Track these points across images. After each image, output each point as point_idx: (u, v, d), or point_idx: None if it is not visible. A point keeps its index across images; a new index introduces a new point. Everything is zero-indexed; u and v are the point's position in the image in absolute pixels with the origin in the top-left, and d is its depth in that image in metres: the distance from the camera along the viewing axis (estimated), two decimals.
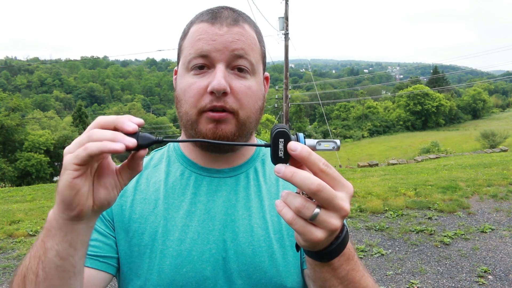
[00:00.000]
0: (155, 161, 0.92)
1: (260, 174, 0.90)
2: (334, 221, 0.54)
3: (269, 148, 0.92)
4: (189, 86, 0.79)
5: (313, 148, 0.57)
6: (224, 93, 0.76)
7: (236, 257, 0.81)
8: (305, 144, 0.56)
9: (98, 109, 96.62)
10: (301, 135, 0.57)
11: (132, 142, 0.55)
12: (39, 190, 10.76)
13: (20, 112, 33.13)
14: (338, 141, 0.57)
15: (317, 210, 0.53)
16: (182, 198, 0.85)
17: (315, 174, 0.54)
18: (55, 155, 32.04)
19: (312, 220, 0.53)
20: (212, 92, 0.76)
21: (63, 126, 47.09)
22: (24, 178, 28.65)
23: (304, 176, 0.52)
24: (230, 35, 0.77)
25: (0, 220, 6.31)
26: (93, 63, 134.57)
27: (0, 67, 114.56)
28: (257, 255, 0.82)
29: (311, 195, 0.53)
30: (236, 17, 0.80)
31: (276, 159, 0.56)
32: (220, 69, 0.76)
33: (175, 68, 0.88)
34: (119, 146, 0.53)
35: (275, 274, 0.82)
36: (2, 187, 22.80)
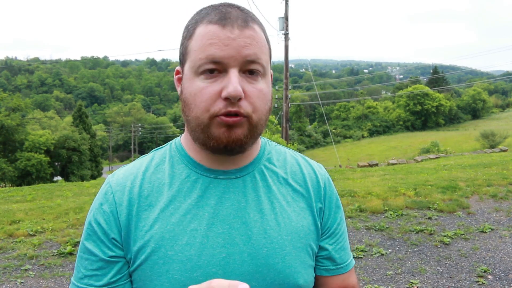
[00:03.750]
0: (157, 161, 0.89)
1: (268, 174, 0.89)
2: None
3: (273, 147, 0.95)
4: (200, 90, 0.77)
5: None
6: (239, 99, 0.75)
7: (250, 259, 0.81)
8: None
9: (98, 109, 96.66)
10: None
11: None
12: (39, 190, 10.77)
13: (20, 112, 33.13)
14: None
15: None
16: (189, 201, 0.83)
17: None
18: (55, 155, 32.02)
19: None
20: (226, 98, 0.75)
21: (63, 126, 47.02)
22: (24, 178, 28.66)
23: None
24: (242, 39, 0.75)
25: (0, 220, 6.31)
26: (93, 63, 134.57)
27: (1, 67, 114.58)
28: (271, 256, 0.82)
29: None
30: (245, 17, 0.78)
31: None
32: (234, 74, 0.74)
33: (177, 68, 0.86)
34: None
35: (288, 274, 0.83)
36: (2, 187, 22.80)
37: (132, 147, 57.32)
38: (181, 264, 0.79)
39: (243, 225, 0.83)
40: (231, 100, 0.74)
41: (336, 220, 0.93)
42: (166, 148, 0.92)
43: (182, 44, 0.82)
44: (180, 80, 0.85)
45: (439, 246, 4.74)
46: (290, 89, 20.49)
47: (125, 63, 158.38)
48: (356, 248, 4.69)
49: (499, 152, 15.84)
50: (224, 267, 0.80)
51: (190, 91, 0.78)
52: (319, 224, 0.90)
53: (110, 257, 0.82)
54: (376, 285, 3.86)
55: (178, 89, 0.85)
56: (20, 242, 5.16)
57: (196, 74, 0.77)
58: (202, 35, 0.76)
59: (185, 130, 0.88)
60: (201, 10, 0.82)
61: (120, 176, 0.87)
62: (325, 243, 0.91)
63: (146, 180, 0.86)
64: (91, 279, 0.82)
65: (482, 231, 5.15)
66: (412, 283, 3.89)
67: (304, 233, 0.86)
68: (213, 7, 0.80)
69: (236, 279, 0.80)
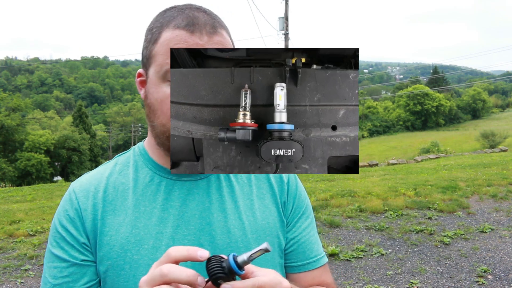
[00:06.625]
0: (120, 166, 0.88)
1: (231, 174, 0.88)
2: None
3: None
4: (167, 97, 0.76)
5: (247, 262, 0.62)
6: None
7: None
8: (236, 265, 0.61)
9: (98, 109, 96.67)
10: (230, 259, 0.62)
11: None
12: (39, 190, 10.77)
13: (20, 112, 33.19)
14: (264, 244, 0.63)
15: None
16: (154, 204, 0.82)
17: None
18: (55, 155, 32.06)
19: None
20: None
21: (63, 126, 47.01)
22: (24, 178, 28.69)
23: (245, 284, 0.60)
24: (211, 46, 0.75)
25: (0, 220, 6.32)
26: (93, 63, 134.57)
27: (1, 67, 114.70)
28: None
29: None
30: (213, 23, 0.76)
31: None
32: None
33: (139, 70, 0.84)
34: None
35: None
36: (2, 187, 22.82)
37: (132, 147, 57.30)
38: (148, 268, 0.76)
39: (208, 225, 0.82)
40: None
41: (297, 214, 0.92)
42: (129, 153, 0.91)
43: (146, 48, 0.80)
44: (143, 83, 0.83)
45: (439, 246, 4.74)
46: None
47: (125, 63, 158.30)
48: (356, 248, 4.69)
49: (499, 152, 15.84)
50: (191, 268, 0.79)
51: (156, 97, 0.77)
52: (284, 220, 0.90)
53: (83, 260, 0.80)
54: (376, 285, 3.86)
55: (141, 93, 0.83)
56: (20, 242, 5.16)
57: (162, 79, 0.76)
58: (168, 39, 0.74)
59: (149, 134, 0.87)
60: (165, 12, 0.79)
61: (84, 182, 0.86)
62: (287, 236, 0.90)
63: (110, 185, 0.85)
64: (61, 287, 0.78)
65: (482, 231, 5.15)
66: (412, 283, 3.89)
67: (270, 230, 0.86)
68: (179, 10, 0.77)
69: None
